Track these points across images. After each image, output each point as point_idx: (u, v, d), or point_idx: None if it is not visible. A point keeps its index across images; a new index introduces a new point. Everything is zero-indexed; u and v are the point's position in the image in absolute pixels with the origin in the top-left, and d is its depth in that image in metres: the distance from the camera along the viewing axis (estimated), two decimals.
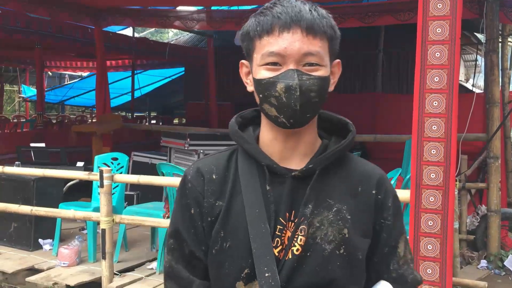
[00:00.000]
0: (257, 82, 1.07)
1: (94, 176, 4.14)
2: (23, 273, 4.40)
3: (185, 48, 12.28)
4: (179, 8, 7.08)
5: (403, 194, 3.13)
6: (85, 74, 17.09)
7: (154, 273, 4.26)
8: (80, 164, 5.75)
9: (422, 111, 2.99)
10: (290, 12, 1.03)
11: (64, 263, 4.37)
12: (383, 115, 9.44)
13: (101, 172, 3.96)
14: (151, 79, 15.92)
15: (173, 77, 15.58)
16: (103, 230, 4.01)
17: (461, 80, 14.67)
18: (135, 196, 6.17)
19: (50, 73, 17.72)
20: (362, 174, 1.13)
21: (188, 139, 5.46)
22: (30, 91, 17.15)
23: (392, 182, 3.68)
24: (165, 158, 6.33)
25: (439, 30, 2.95)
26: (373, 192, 1.12)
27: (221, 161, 1.14)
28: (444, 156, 2.95)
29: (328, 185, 1.10)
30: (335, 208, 1.07)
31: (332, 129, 1.18)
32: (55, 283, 4.02)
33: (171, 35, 21.64)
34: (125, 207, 4.89)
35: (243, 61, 1.14)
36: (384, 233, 1.13)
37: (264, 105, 1.07)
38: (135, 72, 14.01)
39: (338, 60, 1.14)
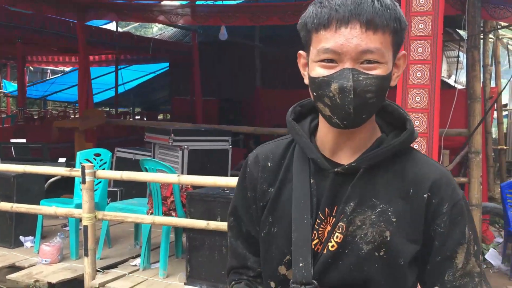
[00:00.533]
0: (312, 80, 1.03)
1: (76, 172, 4.09)
2: (4, 271, 4.34)
3: (169, 43, 12.20)
4: (164, 2, 7.03)
5: None
6: (67, 69, 16.86)
7: (138, 269, 4.23)
8: (62, 160, 5.68)
9: (404, 106, 3.01)
10: (349, 4, 0.97)
11: (45, 261, 4.32)
12: None
13: (83, 168, 3.92)
14: (136, 74, 15.77)
15: (158, 73, 15.45)
16: (85, 227, 3.96)
17: (443, 76, 14.81)
18: (118, 192, 6.11)
19: (32, 68, 17.46)
20: (417, 175, 1.06)
21: (172, 135, 5.41)
22: (11, 86, 16.87)
23: None
24: (149, 154, 6.27)
25: (421, 25, 2.97)
26: (425, 195, 1.05)
27: (279, 149, 1.16)
28: (426, 151, 2.97)
29: (376, 183, 1.05)
30: (379, 209, 1.04)
31: (394, 123, 1.12)
32: (37, 281, 3.97)
33: (156, 30, 21.45)
34: (108, 204, 4.84)
35: (300, 51, 1.09)
36: (436, 241, 1.05)
37: (318, 104, 1.03)
38: (119, 67, 13.88)
39: (403, 52, 1.07)
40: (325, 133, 1.09)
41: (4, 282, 4.21)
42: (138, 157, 6.47)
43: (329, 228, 1.06)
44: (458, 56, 9.93)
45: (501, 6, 5.21)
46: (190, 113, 10.38)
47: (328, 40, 0.98)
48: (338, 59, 0.98)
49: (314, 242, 1.06)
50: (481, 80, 6.93)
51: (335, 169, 1.05)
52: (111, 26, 12.80)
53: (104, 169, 4.91)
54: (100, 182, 4.87)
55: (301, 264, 1.03)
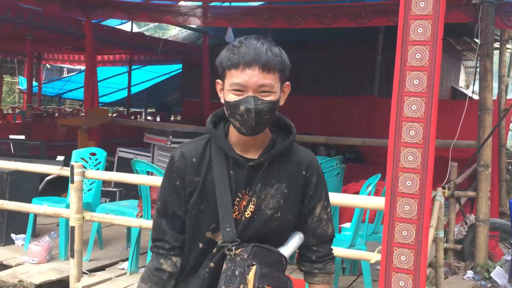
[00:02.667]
0: (227, 103, 1.49)
1: (66, 171, 4.00)
2: None
3: (180, 45, 12.14)
4: (180, 3, 6.96)
5: (379, 202, 2.98)
6: (83, 67, 16.96)
7: (125, 273, 4.11)
8: (60, 158, 5.61)
9: (400, 115, 2.83)
10: (252, 53, 1.44)
11: (33, 260, 4.24)
12: (379, 119, 9.29)
13: (71, 168, 3.83)
14: (149, 75, 15.78)
15: (171, 74, 15.43)
16: (72, 228, 3.86)
17: (461, 87, 14.48)
18: (118, 192, 6.03)
19: (49, 66, 17.59)
20: (298, 160, 1.60)
21: (171, 137, 5.31)
22: None
23: (371, 188, 3.54)
24: (149, 155, 6.19)
25: (420, 30, 2.80)
26: (303, 172, 1.60)
27: (199, 147, 1.58)
28: (421, 163, 2.79)
29: (274, 170, 1.56)
30: (276, 186, 1.55)
31: (281, 126, 1.62)
32: (20, 281, 3.89)
33: (175, 32, 21.46)
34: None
35: (218, 80, 1.53)
36: (306, 200, 1.62)
37: (231, 119, 1.50)
38: (132, 67, 13.89)
39: (287, 82, 1.55)
40: (236, 138, 1.56)
41: None
42: (140, 158, 6.39)
43: (244, 203, 1.54)
44: (476, 66, 9.67)
45: None
46: (200, 115, 10.29)
47: (237, 76, 1.45)
48: (244, 89, 1.45)
49: (236, 213, 1.53)
50: (496, 91, 6.69)
51: (249, 163, 1.54)
52: (127, 26, 12.85)
53: (98, 169, 4.82)
54: (94, 182, 4.79)
55: (227, 229, 1.49)
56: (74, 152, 4.90)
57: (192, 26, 9.51)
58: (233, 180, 1.53)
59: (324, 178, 1.66)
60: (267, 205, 1.54)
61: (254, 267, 1.43)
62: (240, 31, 9.04)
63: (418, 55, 2.81)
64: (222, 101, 1.52)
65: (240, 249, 1.47)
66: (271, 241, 1.55)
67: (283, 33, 10.32)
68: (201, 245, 1.55)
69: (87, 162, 4.87)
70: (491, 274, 4.79)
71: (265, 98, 1.45)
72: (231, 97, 1.46)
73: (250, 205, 1.52)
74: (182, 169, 1.55)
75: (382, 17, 5.83)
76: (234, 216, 1.52)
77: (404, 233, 2.83)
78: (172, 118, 15.50)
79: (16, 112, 13.45)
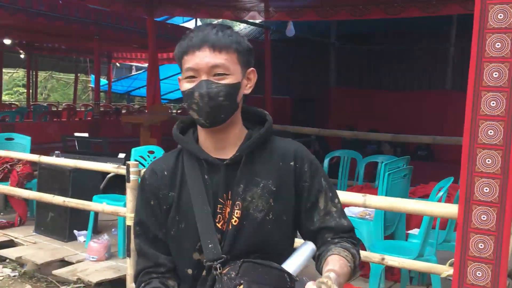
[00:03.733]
0: (182, 93, 1.33)
1: (123, 169, 3.98)
2: (54, 265, 4.36)
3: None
4: None
5: (451, 209, 2.67)
6: None
7: None
8: (122, 155, 5.66)
9: (476, 113, 2.51)
10: (200, 35, 1.30)
11: (93, 258, 4.27)
12: (453, 114, 8.71)
13: (127, 166, 3.79)
14: None
15: None
16: (129, 227, 3.83)
17: None
18: None
19: (118, 64, 18.24)
20: (282, 151, 1.39)
21: None
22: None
23: (442, 192, 3.20)
24: None
25: (501, 15, 2.46)
26: (291, 163, 1.38)
27: (170, 160, 1.41)
28: (502, 167, 2.46)
29: (255, 166, 1.36)
30: (262, 184, 1.34)
31: (256, 120, 1.44)
32: (79, 279, 3.93)
33: (240, 28, 21.51)
34: None
35: (179, 76, 1.37)
36: (305, 193, 1.38)
37: (190, 111, 1.33)
38: None
39: (252, 68, 1.39)
40: (204, 138, 1.38)
41: (54, 276, 4.22)
42: None
43: (228, 209, 1.33)
44: None
45: None
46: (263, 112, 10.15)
47: (189, 61, 1.31)
48: (197, 74, 1.30)
49: (220, 223, 1.32)
50: None
51: (225, 162, 1.34)
52: (192, 24, 12.98)
53: None
54: None
55: (210, 246, 1.29)
56: (133, 150, 4.90)
57: (254, 21, 9.39)
58: (209, 186, 1.33)
59: (320, 166, 1.42)
60: (256, 207, 1.32)
61: (241, 287, 1.19)
62: (302, 25, 8.80)
63: (498, 45, 2.47)
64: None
65: (227, 267, 1.25)
66: (268, 253, 1.32)
67: (349, 26, 9.95)
68: (190, 271, 1.34)
69: (145, 160, 4.86)
70: None
71: (220, 82, 1.29)
72: (185, 86, 1.31)
73: (236, 210, 1.31)
74: (154, 186, 1.38)
75: (454, 4, 5.38)
76: (220, 227, 1.32)
77: (481, 245, 2.51)
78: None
79: (87, 109, 14.02)
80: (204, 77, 1.28)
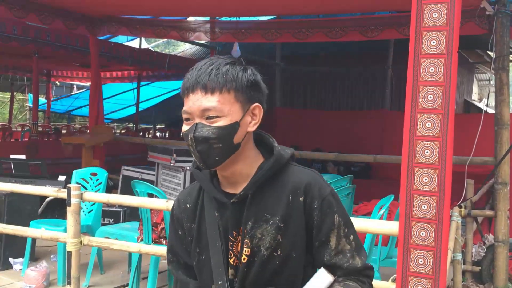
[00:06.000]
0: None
1: (63, 193, 3.83)
2: None
3: (188, 60, 12.05)
4: (189, 18, 6.85)
5: (392, 226, 2.77)
6: None
7: None
8: (61, 178, 5.46)
9: (413, 134, 2.63)
10: (194, 76, 1.29)
11: (30, 286, 4.06)
12: (391, 133, 9.08)
13: (68, 190, 3.65)
14: (158, 91, 15.73)
15: (180, 90, 15.34)
16: (69, 253, 3.68)
17: (474, 100, 14.20)
18: (122, 213, 5.84)
19: (58, 83, 17.65)
20: (293, 185, 1.35)
21: (175, 155, 5.14)
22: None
23: (383, 210, 3.32)
24: (154, 173, 6.02)
25: (434, 42, 2.61)
26: (301, 199, 1.34)
27: (194, 192, 1.45)
28: (438, 185, 2.58)
29: (265, 200, 1.34)
30: (271, 221, 1.33)
31: (270, 150, 1.41)
32: None
33: (184, 48, 21.44)
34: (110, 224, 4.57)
35: None
36: (314, 231, 1.35)
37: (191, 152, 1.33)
38: (141, 83, 13.83)
39: (256, 104, 1.35)
40: (219, 175, 1.39)
41: None
42: (145, 177, 6.21)
43: (239, 245, 1.35)
44: (489, 79, 9.43)
45: None
46: None
47: (185, 104, 1.31)
48: (191, 117, 1.30)
49: (232, 259, 1.36)
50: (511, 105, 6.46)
51: (231, 200, 1.34)
52: (135, 43, 12.82)
53: (99, 189, 4.65)
54: (94, 204, 4.62)
55: (219, 283, 1.33)
56: (75, 173, 4.75)
57: (199, 41, 9.42)
58: (220, 223, 1.35)
59: (335, 201, 1.35)
60: (264, 244, 1.32)
61: None
62: (248, 46, 8.92)
63: (431, 69, 2.62)
64: None
65: None
66: (280, 285, 1.33)
67: (294, 48, 10.19)
68: None
69: (87, 183, 4.71)
70: None
71: (212, 124, 1.27)
72: (183, 128, 1.32)
73: (245, 248, 1.33)
74: (180, 218, 1.44)
75: (391, 30, 5.65)
76: (232, 262, 1.35)
77: (421, 261, 2.61)
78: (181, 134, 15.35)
79: (25, 129, 13.42)
80: (197, 120, 1.28)
